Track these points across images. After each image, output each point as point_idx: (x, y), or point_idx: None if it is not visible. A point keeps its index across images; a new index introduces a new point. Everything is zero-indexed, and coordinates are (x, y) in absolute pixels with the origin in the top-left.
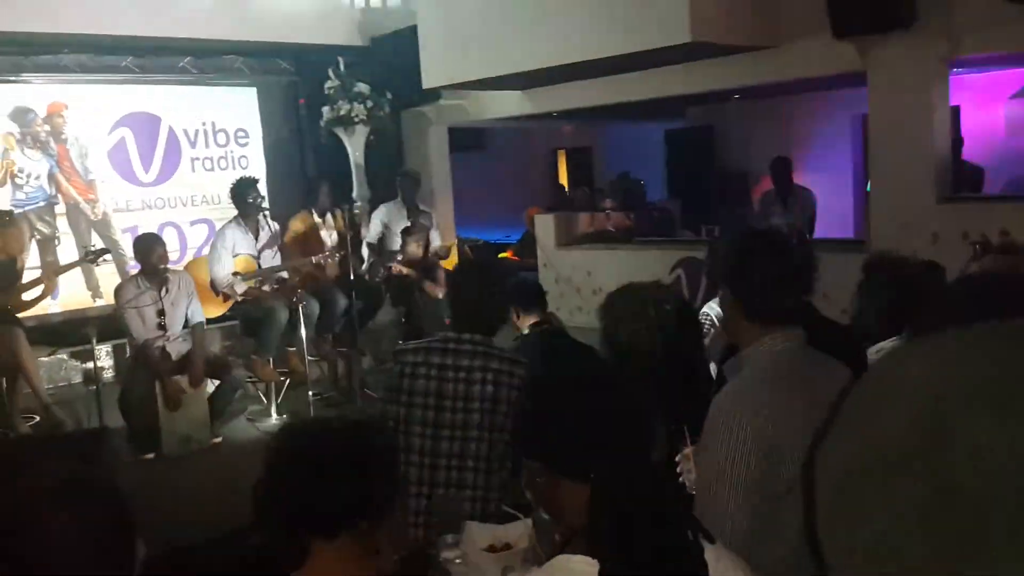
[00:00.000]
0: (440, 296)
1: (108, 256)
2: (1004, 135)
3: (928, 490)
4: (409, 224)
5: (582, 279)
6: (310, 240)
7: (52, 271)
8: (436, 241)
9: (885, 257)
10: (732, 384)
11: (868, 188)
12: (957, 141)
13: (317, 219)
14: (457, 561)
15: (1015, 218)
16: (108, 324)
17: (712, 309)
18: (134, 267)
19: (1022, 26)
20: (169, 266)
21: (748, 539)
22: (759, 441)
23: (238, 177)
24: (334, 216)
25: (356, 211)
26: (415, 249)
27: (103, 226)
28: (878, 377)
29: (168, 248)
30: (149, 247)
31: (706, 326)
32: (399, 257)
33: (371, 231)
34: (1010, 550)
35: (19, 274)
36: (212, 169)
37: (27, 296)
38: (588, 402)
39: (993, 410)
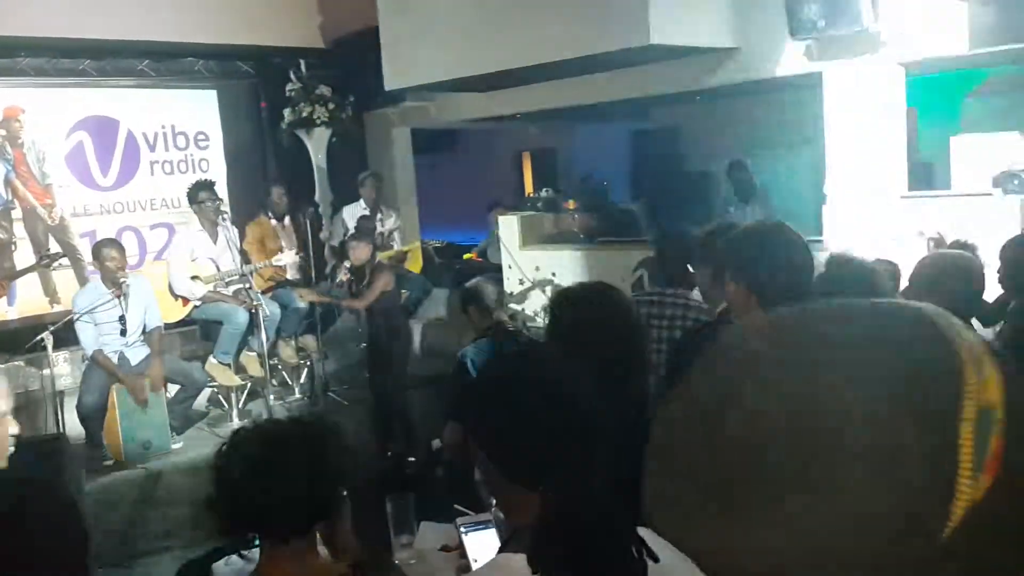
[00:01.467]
0: (361, 306)
1: (64, 260)
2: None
3: (706, 441)
4: (355, 230)
5: (547, 280)
6: (267, 243)
7: (7, 276)
8: (397, 244)
9: (845, 256)
10: None
11: (824, 189)
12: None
13: (275, 222)
14: (412, 562)
15: (969, 216)
16: (66, 330)
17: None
18: (92, 272)
19: (976, 27)
20: (127, 270)
21: None
22: None
23: (195, 180)
24: (294, 219)
25: (319, 214)
26: (361, 255)
27: (60, 231)
28: (716, 346)
29: (127, 252)
30: (108, 252)
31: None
32: (346, 264)
33: (333, 233)
34: (769, 498)
35: None
36: (172, 173)
37: None
38: (542, 414)
39: (771, 378)
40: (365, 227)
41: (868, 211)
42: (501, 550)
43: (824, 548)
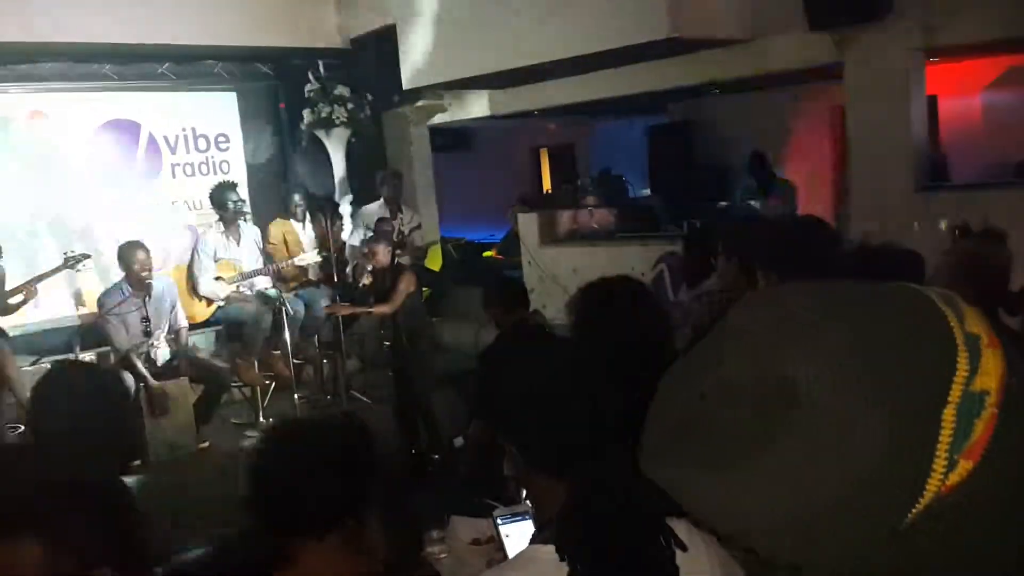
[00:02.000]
0: (388, 311)
1: (88, 262)
2: (981, 124)
3: (686, 404)
4: (374, 232)
5: (567, 276)
6: (289, 243)
7: (33, 278)
8: (417, 242)
9: (871, 245)
10: None
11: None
12: (935, 128)
13: (296, 222)
14: (442, 555)
15: (993, 205)
16: (91, 332)
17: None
18: (117, 275)
19: (996, 15)
20: (152, 272)
21: None
22: None
23: (217, 182)
24: (315, 220)
25: (339, 214)
26: (382, 257)
27: (85, 233)
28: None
29: (150, 254)
30: (133, 254)
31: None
32: (368, 267)
33: (354, 233)
34: (744, 465)
35: (1, 281)
36: (193, 175)
37: (12, 300)
38: (566, 398)
39: (745, 350)
40: (383, 229)
41: (890, 201)
42: (531, 542)
43: (780, 519)
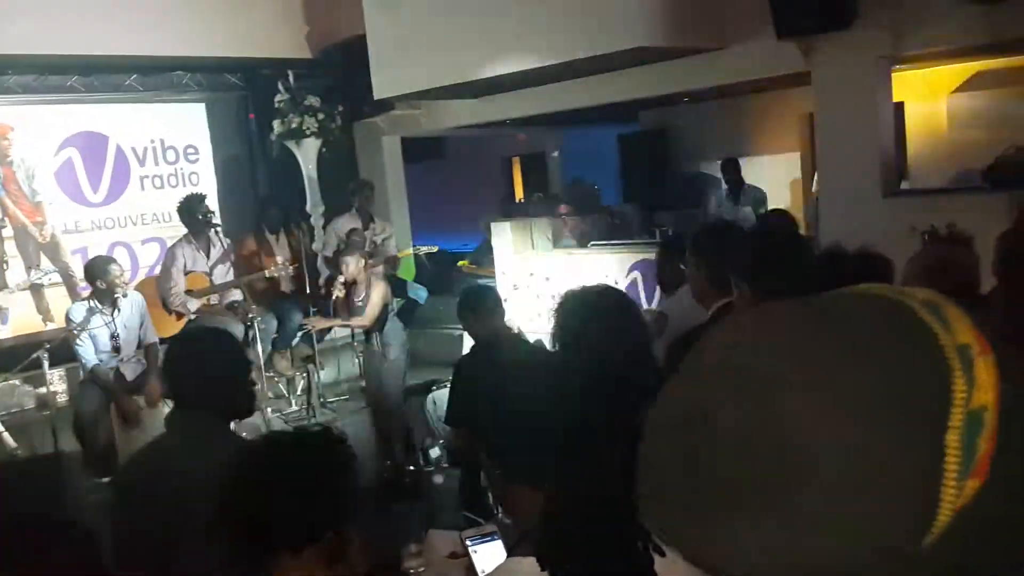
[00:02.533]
0: (367, 324)
1: (56, 277)
2: (946, 129)
3: (684, 453)
4: (345, 244)
5: (540, 284)
6: (263, 255)
7: None
8: (392, 251)
9: (841, 249)
10: None
11: (814, 187)
12: (902, 135)
13: (268, 234)
14: (420, 569)
15: (960, 211)
16: (60, 348)
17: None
18: (84, 289)
19: (962, 22)
20: (122, 287)
21: None
22: None
23: (186, 194)
24: (287, 232)
25: (311, 224)
26: (354, 270)
27: (52, 248)
28: (695, 347)
29: (121, 269)
30: (104, 269)
31: None
32: (340, 279)
33: (326, 244)
34: (738, 520)
35: None
36: (162, 187)
37: None
38: (545, 410)
39: (742, 393)
40: (356, 241)
41: (858, 207)
42: (509, 555)
43: (794, 567)
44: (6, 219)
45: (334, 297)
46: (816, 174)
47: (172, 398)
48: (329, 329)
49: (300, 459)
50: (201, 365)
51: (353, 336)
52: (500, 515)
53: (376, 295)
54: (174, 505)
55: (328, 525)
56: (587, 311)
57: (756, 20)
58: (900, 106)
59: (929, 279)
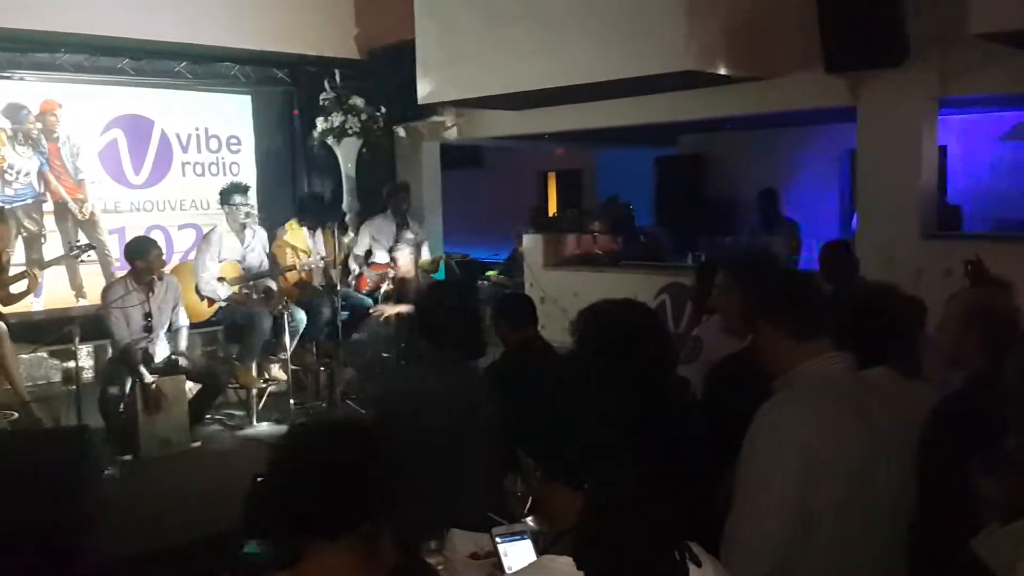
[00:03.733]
0: (386, 315)
1: (92, 253)
2: (988, 177)
3: None
4: (395, 240)
5: (568, 300)
6: (297, 249)
7: (37, 266)
8: (425, 255)
9: (879, 289)
10: (780, 397)
11: (853, 224)
12: (941, 181)
13: (304, 229)
14: (440, 567)
15: (998, 256)
16: (90, 324)
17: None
18: (119, 268)
19: (1013, 68)
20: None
21: (777, 553)
22: (805, 454)
23: (228, 182)
24: (323, 229)
25: (345, 223)
26: (407, 264)
27: (90, 226)
28: None
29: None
30: (144, 249)
31: None
32: (391, 274)
33: (359, 244)
34: None
35: (4, 269)
36: (203, 174)
37: (13, 289)
38: (586, 408)
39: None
40: (408, 237)
41: (896, 247)
42: (545, 553)
43: None
44: (47, 194)
45: (383, 290)
46: (856, 212)
47: (427, 339)
48: (355, 326)
49: (343, 447)
50: (454, 314)
51: (389, 333)
52: (526, 517)
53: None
54: (437, 422)
55: (364, 516)
56: (609, 322)
57: (806, 52)
58: (943, 150)
59: (969, 321)
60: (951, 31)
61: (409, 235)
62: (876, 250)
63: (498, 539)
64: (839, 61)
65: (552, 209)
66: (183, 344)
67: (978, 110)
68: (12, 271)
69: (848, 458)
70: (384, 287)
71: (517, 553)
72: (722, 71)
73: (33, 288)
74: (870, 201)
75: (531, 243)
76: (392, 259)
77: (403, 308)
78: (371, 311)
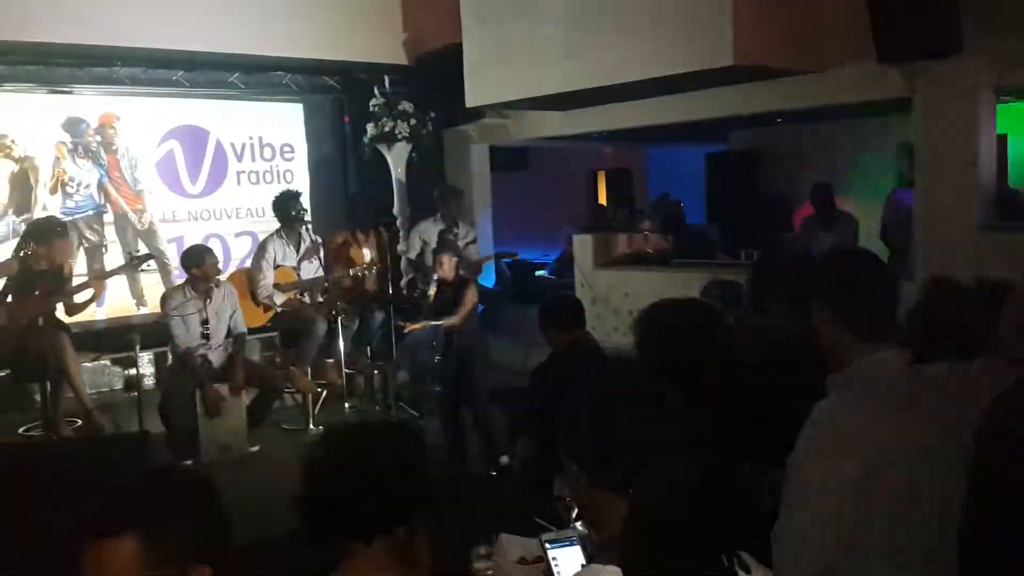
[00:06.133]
0: (457, 322)
1: (152, 262)
2: None
3: None
4: (438, 243)
5: (619, 299)
6: (350, 254)
7: (99, 276)
8: (474, 256)
9: (947, 280)
10: (836, 398)
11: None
12: (1004, 167)
13: (358, 234)
14: (489, 573)
15: None
16: (151, 332)
17: None
18: (178, 277)
19: None
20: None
21: (824, 558)
22: (859, 463)
23: (281, 190)
24: (376, 232)
25: (396, 227)
26: (448, 268)
27: (149, 235)
28: None
29: (217, 260)
30: (201, 258)
31: None
32: (434, 277)
33: (410, 247)
34: None
35: (68, 279)
36: (257, 183)
37: (78, 299)
38: (633, 414)
39: None
40: (450, 241)
41: (955, 239)
42: (592, 561)
43: None
44: (107, 205)
45: (427, 294)
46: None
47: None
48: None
49: (380, 450)
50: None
51: (435, 338)
52: (573, 523)
53: (468, 297)
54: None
55: (400, 520)
56: (675, 320)
57: (857, 44)
58: (1003, 139)
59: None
60: (1007, 19)
61: (451, 238)
62: (934, 242)
63: (547, 545)
64: (892, 52)
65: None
66: (241, 350)
67: None
68: (75, 281)
69: (904, 463)
70: (429, 291)
71: (566, 559)
72: (770, 64)
73: (97, 297)
74: (927, 193)
75: (581, 243)
76: (437, 262)
77: (429, 324)
78: (403, 327)
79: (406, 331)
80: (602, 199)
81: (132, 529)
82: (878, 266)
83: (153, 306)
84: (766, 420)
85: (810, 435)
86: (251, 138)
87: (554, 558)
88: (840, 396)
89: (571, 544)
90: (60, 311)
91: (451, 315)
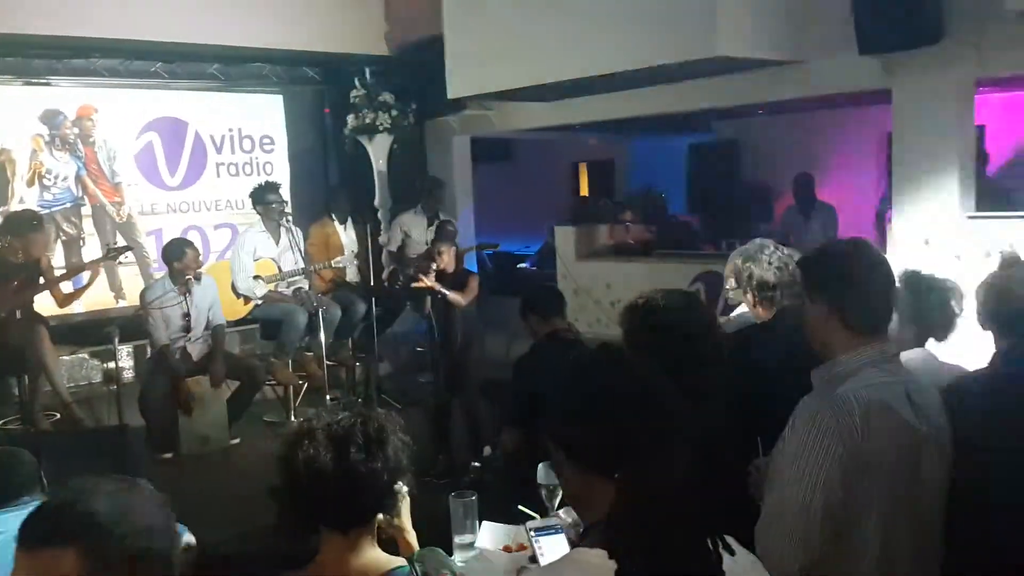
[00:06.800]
0: (463, 303)
1: (130, 254)
2: None
3: None
4: (437, 233)
5: (601, 291)
6: (331, 246)
7: (75, 268)
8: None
9: (917, 273)
10: (821, 390)
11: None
12: (983, 157)
13: (338, 225)
14: (473, 561)
15: None
16: (129, 325)
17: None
18: (157, 269)
19: None
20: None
21: (809, 553)
22: (845, 453)
23: (261, 182)
24: (355, 222)
25: (378, 219)
26: (448, 259)
27: (128, 228)
28: None
29: (197, 253)
30: (180, 251)
31: None
32: (433, 267)
33: (391, 239)
34: None
35: (45, 273)
36: (237, 175)
37: (65, 288)
38: (618, 397)
39: None
40: (450, 231)
41: (934, 229)
42: (577, 545)
43: None
44: (85, 197)
45: (426, 285)
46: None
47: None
48: (391, 322)
49: (355, 440)
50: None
51: (425, 326)
52: (556, 511)
53: (473, 283)
54: None
55: (379, 507)
56: (662, 310)
57: (838, 35)
58: (981, 130)
59: (997, 301)
60: (986, 9)
61: (451, 228)
62: (914, 232)
63: (532, 533)
64: (873, 43)
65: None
66: (221, 342)
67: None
68: (56, 274)
69: (889, 452)
70: (427, 281)
71: (552, 547)
72: (754, 56)
73: (94, 280)
74: (907, 183)
75: (563, 234)
76: (438, 253)
77: (439, 287)
78: (412, 284)
79: (420, 281)
80: (584, 191)
81: (74, 541)
82: (875, 259)
83: (132, 299)
84: (754, 411)
85: (796, 428)
86: (231, 130)
87: (540, 546)
88: (824, 389)
89: (556, 532)
90: (40, 304)
91: (458, 295)
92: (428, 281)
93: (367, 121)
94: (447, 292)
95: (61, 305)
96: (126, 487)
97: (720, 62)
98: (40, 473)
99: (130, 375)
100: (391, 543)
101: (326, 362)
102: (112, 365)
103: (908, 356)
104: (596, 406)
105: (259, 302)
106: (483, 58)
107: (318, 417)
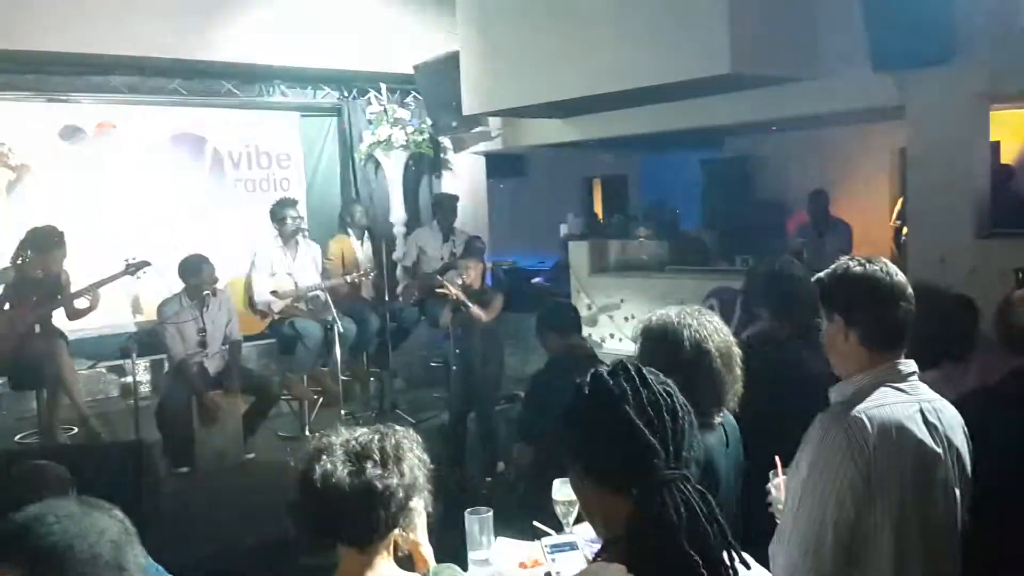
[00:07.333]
0: (486, 319)
1: (148, 270)
2: None
3: None
4: (465, 249)
5: (614, 306)
6: (346, 261)
7: (96, 282)
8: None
9: (927, 288)
10: (837, 409)
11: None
12: (1004, 173)
13: (354, 241)
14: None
15: None
16: (147, 340)
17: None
18: (176, 283)
19: None
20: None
21: (823, 568)
22: (860, 473)
23: (278, 198)
24: (371, 238)
25: (393, 234)
26: (475, 274)
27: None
28: None
29: (213, 269)
30: (197, 267)
31: None
32: (459, 281)
33: (407, 254)
34: None
35: (64, 287)
36: (254, 191)
37: (78, 305)
38: (635, 414)
39: None
40: (478, 247)
41: (949, 246)
42: (595, 560)
43: None
44: None
45: (451, 293)
46: (897, 209)
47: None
48: (406, 337)
49: (372, 456)
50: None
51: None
52: (571, 527)
53: (497, 300)
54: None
55: (395, 523)
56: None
57: (852, 51)
58: (996, 145)
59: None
60: (1000, 26)
61: (479, 245)
62: (928, 250)
63: (548, 549)
64: (887, 59)
65: (598, 216)
66: (237, 357)
67: None
68: (73, 289)
69: (903, 472)
70: (452, 295)
71: (567, 564)
72: (766, 72)
73: (95, 306)
74: (921, 200)
75: (577, 250)
76: (464, 268)
77: (462, 297)
78: (436, 289)
79: (444, 289)
80: (598, 206)
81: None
82: (891, 276)
83: (149, 314)
84: (770, 428)
85: (810, 446)
86: (248, 146)
87: (555, 563)
88: (840, 408)
89: (571, 549)
90: (58, 319)
91: (480, 310)
92: (453, 289)
93: (383, 138)
94: (472, 305)
95: (71, 319)
96: (83, 512)
97: (732, 79)
98: (71, 488)
99: (147, 389)
100: (407, 559)
101: (341, 377)
102: (129, 379)
103: (923, 376)
104: (613, 423)
105: (276, 317)
106: (497, 75)
107: (336, 432)
